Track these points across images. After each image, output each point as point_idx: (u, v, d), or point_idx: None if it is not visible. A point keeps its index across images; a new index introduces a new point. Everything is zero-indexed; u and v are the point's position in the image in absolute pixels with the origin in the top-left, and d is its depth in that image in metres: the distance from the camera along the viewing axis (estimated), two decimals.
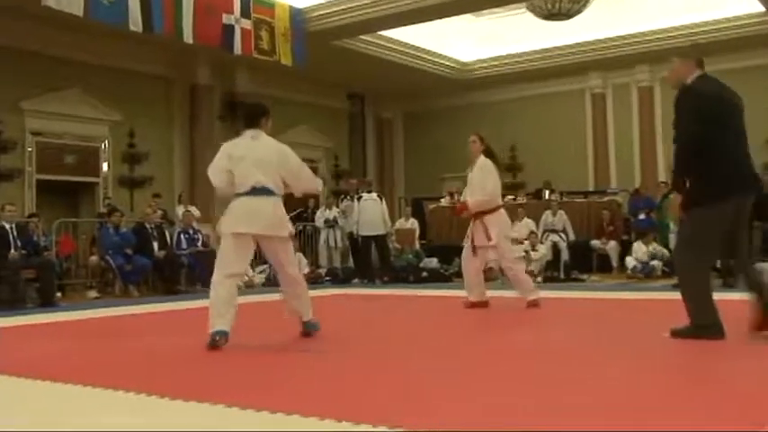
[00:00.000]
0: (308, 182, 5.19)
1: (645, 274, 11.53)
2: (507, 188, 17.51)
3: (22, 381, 3.79)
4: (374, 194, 12.68)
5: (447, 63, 17.48)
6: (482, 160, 7.03)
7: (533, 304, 6.82)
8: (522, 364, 3.95)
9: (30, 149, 12.92)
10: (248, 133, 5.03)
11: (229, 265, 4.81)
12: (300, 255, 13.08)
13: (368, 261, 12.37)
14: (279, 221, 4.94)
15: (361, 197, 12.55)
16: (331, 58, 15.22)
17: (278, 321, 5.36)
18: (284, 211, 4.99)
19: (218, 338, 4.64)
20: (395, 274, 12.34)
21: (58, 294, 9.72)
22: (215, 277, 4.81)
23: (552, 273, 12.19)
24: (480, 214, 6.98)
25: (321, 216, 13.77)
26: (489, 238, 6.90)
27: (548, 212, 13.10)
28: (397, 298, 9.35)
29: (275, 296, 9.76)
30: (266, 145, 5.01)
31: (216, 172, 4.96)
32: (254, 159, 4.88)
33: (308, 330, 5.19)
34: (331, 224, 13.43)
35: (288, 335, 5.18)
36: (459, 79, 17.99)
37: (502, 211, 7.10)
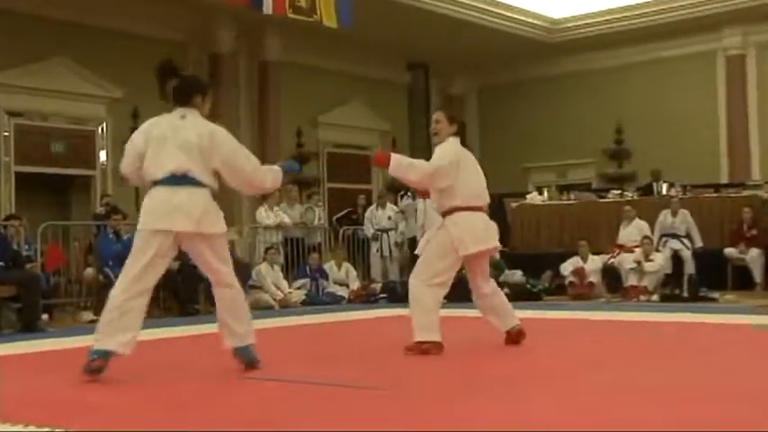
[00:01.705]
0: (252, 174, 5.13)
1: None
2: (612, 180, 17.34)
3: None
4: None
5: (533, 21, 17.30)
6: (444, 144, 6.16)
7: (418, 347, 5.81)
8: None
9: (6, 134, 13.02)
10: (177, 111, 5.07)
11: (136, 271, 4.86)
12: (349, 266, 12.98)
13: None
14: (206, 216, 4.93)
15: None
16: (386, 17, 15.07)
17: (316, 348, 5.24)
18: (215, 205, 5.02)
19: (94, 359, 4.75)
20: (467, 290, 12.14)
21: (44, 317, 9.66)
22: (117, 284, 4.88)
23: (673, 290, 11.94)
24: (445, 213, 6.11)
25: (370, 217, 13.60)
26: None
27: (666, 212, 12.89)
28: (470, 321, 9.16)
29: (316, 317, 9.68)
30: (195, 125, 5.03)
31: (126, 155, 5.10)
32: (178, 141, 4.93)
33: (243, 359, 5.11)
34: (384, 229, 13.32)
35: (331, 363, 5.19)
36: (548, 42, 17.78)
37: (469, 214, 6.08)
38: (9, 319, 9.10)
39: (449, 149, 6.08)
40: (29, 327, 8.89)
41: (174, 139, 4.93)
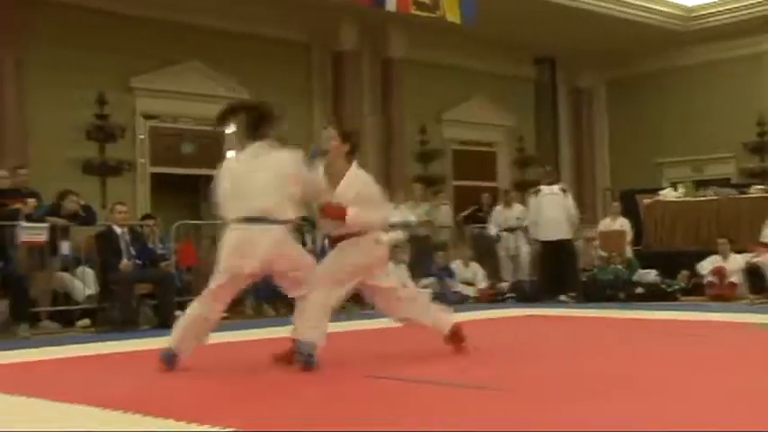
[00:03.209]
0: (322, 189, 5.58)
1: None
2: (754, 175, 16.79)
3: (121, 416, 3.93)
4: (556, 187, 12.41)
5: (666, 10, 16.95)
6: (353, 171, 5.65)
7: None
8: None
9: (142, 137, 13.53)
10: (249, 149, 5.45)
11: (221, 294, 5.47)
12: (477, 265, 13.01)
13: (550, 273, 12.19)
14: (278, 256, 5.36)
15: (538, 191, 12.34)
16: (510, 11, 15.00)
17: (441, 347, 5.36)
18: (291, 242, 5.53)
19: (163, 358, 5.41)
20: (596, 290, 12.14)
21: (178, 313, 9.95)
22: (200, 298, 5.58)
23: None
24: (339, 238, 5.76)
25: (497, 216, 13.60)
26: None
27: None
28: (597, 321, 9.15)
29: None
30: (268, 164, 5.34)
31: (220, 201, 5.47)
32: (251, 182, 5.29)
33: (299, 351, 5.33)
34: (511, 228, 13.33)
35: (450, 363, 5.25)
36: (683, 31, 17.37)
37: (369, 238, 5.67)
38: (146, 315, 9.54)
39: (367, 179, 5.71)
40: (164, 323, 9.22)
41: (248, 180, 5.30)
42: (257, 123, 5.43)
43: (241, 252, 5.27)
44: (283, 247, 5.39)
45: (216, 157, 14.22)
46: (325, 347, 5.37)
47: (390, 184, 14.95)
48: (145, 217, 11.41)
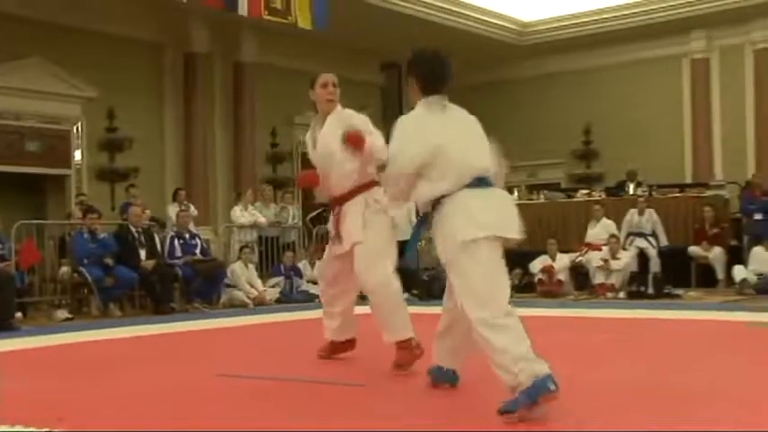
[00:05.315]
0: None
1: (759, 289, 11.39)
2: (580, 180, 17.49)
3: None
4: None
5: (503, 24, 17.34)
6: (348, 113, 5.46)
7: (403, 348, 5.13)
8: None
9: None
10: (436, 101, 4.24)
11: (503, 290, 3.95)
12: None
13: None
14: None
15: None
16: (359, 19, 15.10)
17: (291, 345, 5.25)
18: None
19: (552, 388, 3.64)
20: (438, 287, 12.29)
21: (18, 315, 9.67)
22: (495, 319, 3.80)
23: (639, 287, 12.03)
24: (342, 198, 5.30)
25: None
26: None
27: (633, 211, 13.05)
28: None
29: (290, 315, 9.64)
30: (466, 118, 4.29)
31: (414, 157, 4.01)
32: (467, 138, 4.14)
33: None
34: None
35: (305, 360, 5.23)
36: (518, 45, 17.85)
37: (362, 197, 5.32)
38: None
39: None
40: (2, 325, 8.84)
41: (463, 136, 4.19)
42: (447, 73, 4.43)
43: (504, 215, 4.02)
44: None
45: (62, 157, 13.90)
46: (180, 347, 5.22)
47: (240, 185, 14.86)
48: None
